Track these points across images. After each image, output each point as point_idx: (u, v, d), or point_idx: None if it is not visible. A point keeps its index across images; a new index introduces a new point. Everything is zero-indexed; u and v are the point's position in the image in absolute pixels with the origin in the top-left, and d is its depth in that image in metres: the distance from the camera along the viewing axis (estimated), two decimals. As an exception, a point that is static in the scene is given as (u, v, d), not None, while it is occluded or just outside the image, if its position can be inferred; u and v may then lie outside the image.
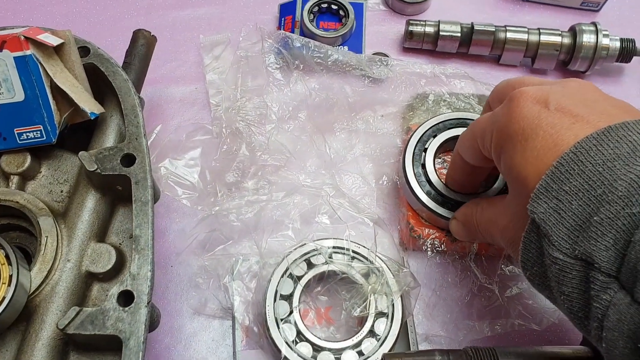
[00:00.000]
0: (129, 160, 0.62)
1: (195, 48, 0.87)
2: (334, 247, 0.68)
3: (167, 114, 0.82)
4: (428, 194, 0.71)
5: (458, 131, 0.74)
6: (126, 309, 0.55)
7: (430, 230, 0.72)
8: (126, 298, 0.56)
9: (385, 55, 0.82)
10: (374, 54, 0.84)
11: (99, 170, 0.61)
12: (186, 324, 0.71)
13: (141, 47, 0.73)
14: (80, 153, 0.62)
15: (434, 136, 0.74)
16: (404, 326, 0.66)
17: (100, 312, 0.55)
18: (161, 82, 0.84)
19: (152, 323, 0.62)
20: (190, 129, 0.79)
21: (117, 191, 0.64)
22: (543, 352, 0.58)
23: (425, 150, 0.73)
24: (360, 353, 0.63)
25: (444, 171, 0.74)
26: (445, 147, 0.75)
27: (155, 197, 0.68)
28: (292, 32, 0.83)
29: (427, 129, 0.74)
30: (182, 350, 0.69)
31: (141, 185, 0.61)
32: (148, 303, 0.56)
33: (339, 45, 0.85)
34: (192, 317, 0.71)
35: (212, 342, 0.70)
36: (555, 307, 0.64)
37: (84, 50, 0.67)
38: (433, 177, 0.71)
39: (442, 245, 0.72)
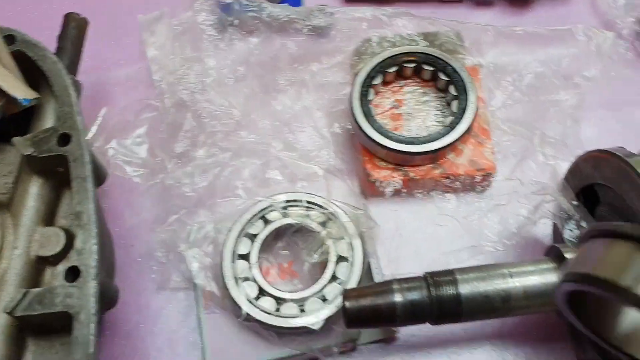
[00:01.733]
0: (64, 139, 0.61)
1: (134, 28, 0.85)
2: (287, 201, 0.67)
3: (112, 97, 0.81)
4: (379, 130, 0.69)
5: (409, 64, 0.74)
6: (74, 284, 0.55)
7: (387, 172, 0.71)
8: (73, 273, 0.55)
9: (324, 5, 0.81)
10: (314, 6, 0.82)
11: (35, 154, 0.60)
12: (152, 300, 0.70)
13: (72, 30, 0.72)
14: (14, 138, 0.61)
15: (382, 73, 0.73)
16: (367, 268, 0.65)
17: (48, 290, 0.54)
18: (104, 66, 0.83)
19: (110, 299, 0.61)
20: (137, 109, 0.78)
21: (59, 174, 0.63)
22: (501, 266, 0.57)
23: (372, 86, 0.72)
24: (323, 299, 0.62)
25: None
26: (391, 77, 0.74)
27: (102, 178, 0.67)
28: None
29: (372, 66, 0.73)
30: (151, 326, 0.69)
31: (79, 163, 0.60)
32: (96, 276, 0.55)
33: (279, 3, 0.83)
34: (158, 293, 0.70)
35: (180, 314, 0.69)
36: (517, 227, 0.63)
37: (10, 39, 0.66)
38: (378, 110, 0.70)
39: (400, 184, 0.71)
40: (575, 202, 0.60)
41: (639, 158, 0.54)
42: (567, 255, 0.57)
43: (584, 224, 0.58)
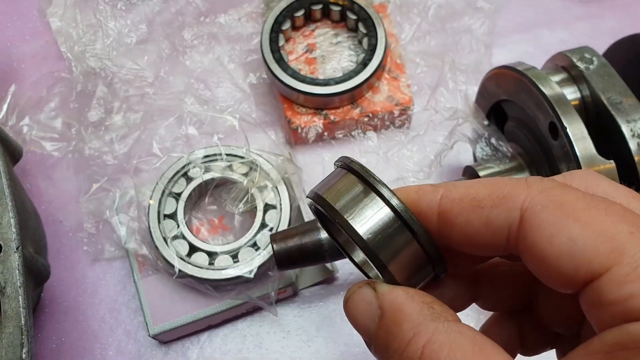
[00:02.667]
0: (-35, 118, 0.59)
1: (35, 1, 0.83)
2: (207, 156, 0.66)
3: (21, 74, 0.79)
4: (293, 75, 0.69)
5: (316, 6, 0.73)
6: (-5, 260, 0.54)
7: (307, 117, 0.72)
8: (-7, 250, 0.54)
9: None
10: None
11: None
12: (88, 272, 0.70)
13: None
14: None
15: (290, 18, 0.73)
16: (297, 213, 0.66)
17: (-32, 270, 0.53)
18: (9, 43, 0.81)
19: (40, 273, 0.61)
20: (49, 83, 0.76)
21: (-33, 155, 0.61)
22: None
23: (281, 31, 0.71)
24: (256, 247, 0.63)
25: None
26: (300, 21, 0.74)
27: (17, 155, 0.66)
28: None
29: (279, 11, 0.72)
30: (89, 298, 0.69)
31: (-17, 139, 0.58)
32: (18, 248, 0.54)
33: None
34: (93, 265, 0.70)
35: (118, 282, 0.69)
36: (435, 154, 0.64)
37: None
38: (292, 57, 0.70)
39: (321, 128, 0.71)
40: (485, 122, 0.62)
41: (535, 69, 0.56)
42: (481, 173, 0.59)
43: (493, 140, 0.60)
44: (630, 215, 0.27)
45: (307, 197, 0.34)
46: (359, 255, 0.37)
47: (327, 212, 0.32)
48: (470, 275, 0.36)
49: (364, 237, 0.30)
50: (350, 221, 0.30)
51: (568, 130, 0.49)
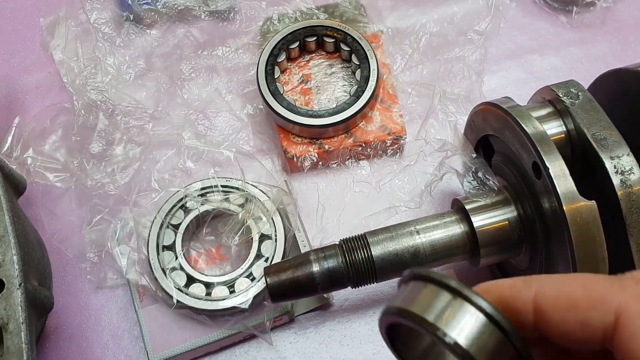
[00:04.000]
0: (-31, 157, 0.61)
1: (39, 33, 0.85)
2: (203, 188, 0.68)
3: (25, 106, 0.81)
4: (288, 107, 0.71)
5: (310, 38, 0.76)
6: (-2, 297, 0.56)
7: (303, 146, 0.74)
8: (-4, 287, 0.57)
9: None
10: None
11: (-57, 176, 0.60)
12: (92, 300, 0.72)
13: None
14: None
15: (285, 50, 0.75)
16: (292, 242, 0.67)
17: (-27, 306, 0.56)
18: (13, 75, 0.83)
19: (43, 305, 0.63)
20: (52, 114, 0.78)
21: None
22: (408, 224, 0.60)
23: (277, 63, 0.74)
24: (252, 278, 0.65)
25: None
26: (295, 52, 0.77)
27: (21, 188, 0.68)
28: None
29: (274, 44, 0.74)
30: (93, 325, 0.71)
31: (-14, 179, 0.60)
32: (20, 285, 0.56)
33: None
34: (97, 292, 0.72)
35: (120, 309, 0.71)
36: (425, 184, 0.66)
37: None
38: (288, 87, 0.72)
39: (316, 157, 0.73)
40: (473, 155, 0.63)
41: (519, 108, 0.57)
42: (467, 207, 0.60)
43: (480, 174, 0.61)
44: None
45: (386, 313, 0.34)
46: None
47: (417, 324, 0.32)
48: None
49: (464, 346, 0.31)
50: (446, 330, 0.31)
51: (550, 170, 0.51)
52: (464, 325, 0.31)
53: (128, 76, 0.75)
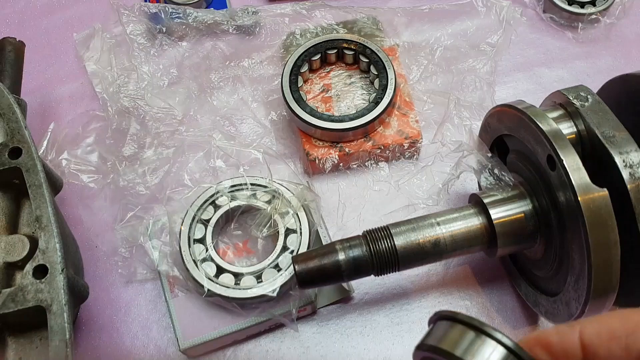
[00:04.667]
0: (15, 153, 0.65)
1: (72, 47, 0.90)
2: (233, 186, 0.72)
3: (59, 113, 0.86)
4: (311, 113, 0.76)
5: (331, 51, 0.80)
6: (43, 280, 0.59)
7: (324, 149, 0.78)
8: (41, 271, 0.60)
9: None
10: (239, 9, 0.88)
11: (-11, 168, 0.64)
12: (122, 293, 0.75)
13: (9, 53, 0.77)
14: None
15: (308, 62, 0.80)
16: (315, 237, 0.71)
17: (19, 289, 0.59)
18: (47, 86, 0.88)
19: (80, 293, 0.66)
20: (84, 121, 0.83)
21: (16, 186, 0.67)
22: (429, 217, 0.64)
23: (300, 74, 0.78)
24: (277, 267, 0.68)
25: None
26: (317, 64, 0.81)
27: (58, 186, 0.72)
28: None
29: (298, 56, 0.79)
30: (123, 317, 0.74)
31: (32, 172, 0.64)
32: (62, 270, 0.60)
33: (206, 7, 0.89)
34: (126, 286, 0.75)
35: (150, 302, 0.74)
36: (443, 183, 0.69)
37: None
38: (310, 96, 0.77)
39: (337, 159, 0.77)
40: (488, 154, 0.67)
41: (534, 108, 0.62)
42: (485, 200, 0.64)
43: (496, 171, 0.65)
44: None
45: (420, 349, 0.39)
46: None
47: (448, 359, 0.37)
48: None
49: None
50: None
51: (564, 162, 0.55)
52: (488, 357, 0.36)
53: (162, 82, 0.80)
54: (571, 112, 0.63)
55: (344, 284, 0.71)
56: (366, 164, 0.78)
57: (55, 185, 0.72)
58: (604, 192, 0.55)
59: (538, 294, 0.67)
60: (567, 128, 0.62)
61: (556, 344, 0.36)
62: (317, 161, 0.77)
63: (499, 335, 0.36)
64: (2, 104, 0.68)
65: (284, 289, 0.68)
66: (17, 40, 0.77)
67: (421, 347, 0.39)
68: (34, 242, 0.65)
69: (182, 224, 0.70)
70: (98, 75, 0.84)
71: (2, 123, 0.70)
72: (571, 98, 0.63)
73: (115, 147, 0.77)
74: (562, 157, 0.55)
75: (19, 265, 0.64)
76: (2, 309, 0.58)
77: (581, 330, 0.36)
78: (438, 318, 0.40)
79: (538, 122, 0.58)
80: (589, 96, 0.63)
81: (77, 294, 0.65)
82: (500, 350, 0.36)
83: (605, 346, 0.35)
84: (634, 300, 0.63)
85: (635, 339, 0.34)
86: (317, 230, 0.71)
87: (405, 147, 0.78)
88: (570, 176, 0.55)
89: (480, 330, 0.37)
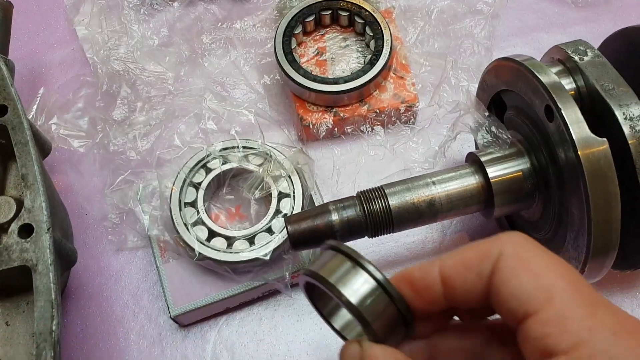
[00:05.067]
0: (1, 110, 0.63)
1: (63, 13, 0.88)
2: (224, 149, 0.70)
3: (49, 79, 0.84)
4: (305, 75, 0.74)
5: (325, 12, 0.79)
6: (28, 239, 0.58)
7: (318, 114, 0.76)
8: (27, 230, 0.58)
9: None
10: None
11: (-27, 127, 0.63)
12: (112, 261, 0.74)
13: (-3, 13, 0.75)
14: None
15: (302, 23, 0.78)
16: (309, 201, 0.69)
17: (4, 248, 0.57)
18: (37, 51, 0.86)
19: (68, 257, 0.65)
20: (75, 87, 0.81)
21: (3, 146, 0.65)
22: (425, 176, 0.62)
23: (293, 35, 0.76)
24: (270, 231, 0.67)
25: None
26: (311, 25, 0.79)
27: (46, 149, 0.71)
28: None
29: (291, 17, 0.77)
30: (113, 285, 0.72)
31: (18, 130, 0.62)
32: (48, 230, 0.58)
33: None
34: (117, 254, 0.74)
35: (140, 270, 0.73)
36: (439, 145, 0.68)
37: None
38: (304, 59, 0.75)
39: (331, 124, 0.75)
40: (486, 113, 0.66)
41: (532, 60, 0.60)
42: (482, 159, 0.62)
43: (493, 129, 0.63)
44: (572, 275, 0.35)
45: (303, 274, 0.42)
46: (340, 322, 0.46)
47: (322, 285, 0.40)
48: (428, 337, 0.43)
49: (354, 303, 0.39)
50: (342, 291, 0.39)
51: (563, 111, 0.53)
52: (358, 288, 0.39)
53: (152, 42, 0.78)
54: (570, 68, 0.62)
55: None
56: (361, 128, 0.76)
57: (43, 147, 0.70)
58: (604, 140, 0.53)
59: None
60: (567, 84, 0.60)
61: (418, 279, 0.39)
62: (311, 126, 0.76)
63: (371, 269, 0.39)
64: (-14, 62, 0.66)
65: (277, 253, 0.66)
66: (5, 0, 0.75)
67: (304, 272, 0.42)
68: (21, 205, 0.63)
69: (172, 187, 0.68)
70: (89, 39, 0.82)
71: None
72: (570, 52, 0.62)
73: (105, 111, 0.75)
74: (560, 106, 0.54)
75: (5, 227, 0.63)
76: (-14, 268, 0.57)
77: (440, 264, 0.38)
78: (326, 247, 0.42)
79: (536, 73, 0.56)
80: (587, 50, 0.62)
81: (65, 257, 0.63)
82: (371, 283, 0.39)
83: (461, 276, 0.37)
84: (634, 263, 0.61)
85: (485, 265, 0.36)
86: (310, 195, 0.69)
87: (402, 112, 0.76)
88: (570, 127, 0.53)
89: (356, 262, 0.40)
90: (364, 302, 0.39)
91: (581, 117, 0.54)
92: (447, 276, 0.38)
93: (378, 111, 0.76)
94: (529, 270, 0.35)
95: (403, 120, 0.77)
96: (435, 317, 0.42)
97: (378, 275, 0.39)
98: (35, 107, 0.77)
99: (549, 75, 0.56)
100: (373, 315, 0.39)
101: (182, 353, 0.69)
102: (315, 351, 0.68)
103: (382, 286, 0.39)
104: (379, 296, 0.39)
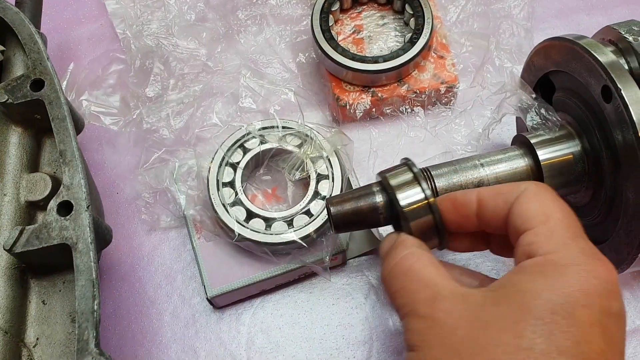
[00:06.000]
0: (38, 85, 0.62)
1: (91, -15, 0.86)
2: (263, 128, 0.69)
3: (78, 54, 0.82)
4: (342, 53, 0.72)
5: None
6: (67, 217, 0.56)
7: (355, 94, 0.74)
8: (66, 208, 0.57)
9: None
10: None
11: (10, 100, 0.61)
12: (144, 241, 0.72)
13: (29, -16, 0.73)
14: (-16, 88, 0.62)
15: (339, 0, 0.76)
16: (346, 183, 0.68)
17: (44, 226, 0.56)
18: (66, 26, 0.84)
19: (104, 236, 0.63)
20: (104, 63, 0.79)
21: (37, 122, 0.64)
22: (472, 158, 0.60)
23: (330, 12, 0.74)
24: (309, 214, 0.65)
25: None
26: (348, 3, 0.77)
27: (80, 125, 0.69)
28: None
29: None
30: (145, 265, 0.71)
31: (55, 105, 0.61)
32: (88, 207, 0.57)
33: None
34: (149, 234, 0.72)
35: (174, 250, 0.72)
36: (483, 127, 0.66)
37: (-35, -5, 0.67)
38: (340, 37, 0.73)
39: (369, 105, 0.74)
40: (532, 95, 0.64)
41: (587, 39, 0.58)
42: (532, 141, 0.61)
43: (542, 110, 0.62)
44: (569, 214, 0.45)
45: (378, 174, 0.54)
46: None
47: (387, 187, 0.52)
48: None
49: (401, 203, 0.50)
50: (397, 193, 0.51)
51: (622, 92, 0.51)
52: (410, 195, 0.51)
53: (189, 17, 0.76)
54: (623, 49, 0.59)
55: (376, 234, 0.68)
56: (400, 109, 0.74)
57: (77, 124, 0.68)
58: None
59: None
60: (620, 66, 0.58)
61: (459, 197, 0.49)
62: (347, 107, 0.74)
63: (425, 186, 0.51)
64: (23, 34, 0.64)
65: (316, 236, 0.65)
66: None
67: (379, 173, 0.54)
68: (56, 182, 0.62)
69: (210, 167, 0.67)
70: (119, 14, 0.80)
71: (22, 56, 0.67)
72: (623, 32, 0.60)
73: (138, 87, 0.74)
74: (620, 87, 0.52)
75: (41, 205, 0.62)
76: (27, 246, 0.55)
77: (479, 190, 0.48)
78: (404, 162, 0.54)
79: (593, 52, 0.54)
80: (642, 30, 0.60)
81: (100, 236, 0.62)
82: (420, 195, 0.50)
83: (492, 200, 0.47)
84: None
85: (512, 195, 0.46)
86: (348, 178, 0.68)
87: (442, 92, 0.74)
88: (630, 108, 0.51)
89: (415, 177, 0.51)
90: (410, 205, 0.50)
91: (642, 98, 0.52)
92: (482, 199, 0.47)
93: (418, 92, 0.74)
94: (538, 201, 0.44)
95: (443, 101, 0.75)
96: (465, 239, 0.52)
97: (427, 192, 0.50)
98: (65, 82, 0.76)
99: (607, 55, 0.54)
100: (413, 216, 0.50)
101: (217, 335, 0.68)
102: (351, 334, 0.67)
103: (427, 198, 0.50)
104: (423, 205, 0.50)
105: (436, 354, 0.41)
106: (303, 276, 0.69)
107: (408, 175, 0.52)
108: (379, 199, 0.59)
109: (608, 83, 0.53)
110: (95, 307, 0.54)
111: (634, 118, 0.51)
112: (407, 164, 0.53)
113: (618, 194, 0.56)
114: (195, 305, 0.69)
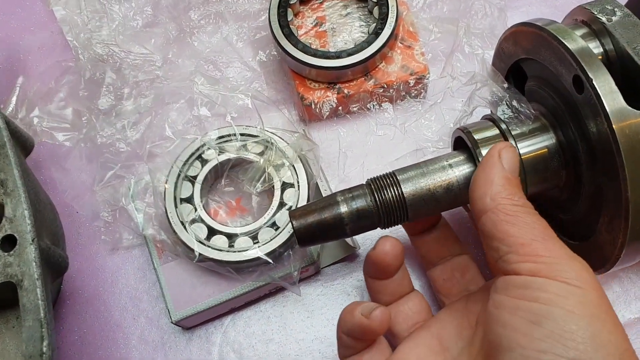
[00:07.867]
0: (-29, 111, 0.58)
1: (39, -7, 0.82)
2: (220, 137, 0.65)
3: (28, 66, 0.78)
4: (304, 50, 0.68)
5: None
6: (11, 252, 0.53)
7: (320, 92, 0.70)
8: (9, 242, 0.54)
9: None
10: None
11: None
12: (107, 262, 0.69)
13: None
14: None
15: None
16: (315, 191, 0.64)
17: (-16, 263, 0.53)
18: (15, 36, 0.80)
19: (58, 265, 0.60)
20: (56, 74, 0.75)
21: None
22: (440, 159, 0.56)
23: (289, 5, 0.70)
24: (274, 226, 0.61)
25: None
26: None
27: (28, 147, 0.65)
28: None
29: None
30: (110, 288, 0.68)
31: (-7, 131, 0.57)
32: (33, 240, 0.53)
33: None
34: (112, 254, 0.69)
35: (138, 270, 0.68)
36: (454, 122, 0.62)
37: None
38: (302, 31, 0.68)
39: (335, 103, 0.69)
40: (505, 85, 0.59)
41: (556, 24, 0.53)
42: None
43: (514, 103, 0.57)
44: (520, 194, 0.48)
45: (457, 128, 0.57)
46: None
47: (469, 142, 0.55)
48: None
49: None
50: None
51: (594, 82, 0.47)
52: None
53: (135, 23, 0.71)
54: (597, 30, 0.55)
55: (349, 240, 0.65)
56: (368, 106, 0.70)
57: (25, 145, 0.65)
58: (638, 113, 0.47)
59: (566, 240, 0.60)
60: (594, 49, 0.54)
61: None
62: (313, 106, 0.70)
63: (477, 152, 0.54)
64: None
65: (283, 249, 0.61)
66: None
67: (459, 128, 0.56)
68: (1, 212, 0.58)
69: (166, 182, 0.63)
70: (68, 21, 0.75)
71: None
72: (596, 13, 0.55)
73: (90, 99, 0.70)
74: (590, 77, 0.47)
75: (-16, 238, 0.58)
76: (-33, 286, 0.52)
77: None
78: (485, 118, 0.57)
79: (561, 39, 0.50)
80: (616, 9, 0.55)
81: (55, 265, 0.59)
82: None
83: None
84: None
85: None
86: (316, 183, 0.64)
87: (411, 85, 0.70)
88: (602, 99, 0.47)
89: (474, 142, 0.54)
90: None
91: (615, 88, 0.47)
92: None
93: (385, 85, 0.69)
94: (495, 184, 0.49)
95: (413, 94, 0.71)
96: None
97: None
98: (14, 98, 0.72)
99: (577, 41, 0.50)
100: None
101: (187, 357, 0.65)
102: (327, 348, 0.64)
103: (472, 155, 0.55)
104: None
105: None
106: (274, 290, 0.66)
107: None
108: (343, 209, 0.55)
109: (579, 72, 0.48)
110: (44, 349, 0.51)
111: (607, 110, 0.47)
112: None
113: (597, 190, 0.52)
114: (163, 327, 0.66)
